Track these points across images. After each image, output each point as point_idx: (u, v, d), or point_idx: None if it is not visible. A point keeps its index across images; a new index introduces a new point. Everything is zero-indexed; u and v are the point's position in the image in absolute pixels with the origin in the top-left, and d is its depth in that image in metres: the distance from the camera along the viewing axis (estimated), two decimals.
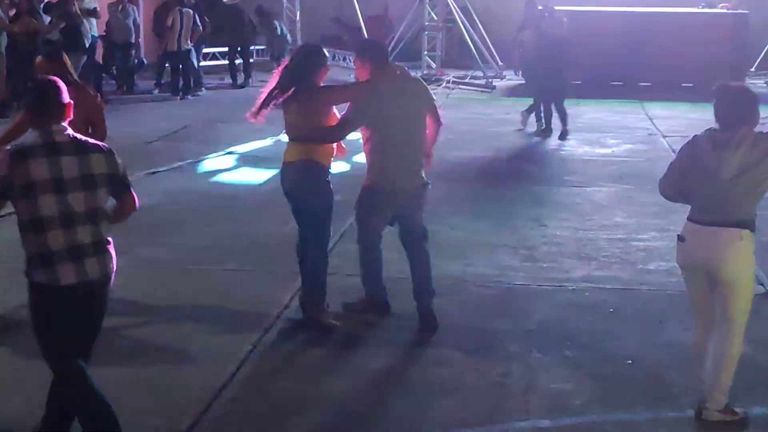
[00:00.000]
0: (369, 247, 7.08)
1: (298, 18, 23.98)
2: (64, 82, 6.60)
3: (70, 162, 4.70)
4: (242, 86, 20.61)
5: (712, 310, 5.59)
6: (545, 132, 14.94)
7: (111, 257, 4.92)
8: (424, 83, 7.27)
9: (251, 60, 21.84)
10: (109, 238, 4.92)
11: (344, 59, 22.93)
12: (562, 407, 5.81)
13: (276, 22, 22.27)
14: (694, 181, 5.51)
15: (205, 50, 21.66)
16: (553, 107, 14.79)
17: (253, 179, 11.85)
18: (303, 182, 6.79)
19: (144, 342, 6.77)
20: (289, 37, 22.65)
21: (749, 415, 5.65)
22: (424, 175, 6.96)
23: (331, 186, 6.86)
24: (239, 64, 21.51)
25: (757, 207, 5.43)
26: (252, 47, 22.23)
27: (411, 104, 6.79)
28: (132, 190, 5.06)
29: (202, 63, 21.12)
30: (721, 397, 5.54)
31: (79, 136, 4.88)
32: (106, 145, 5.00)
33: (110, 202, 4.98)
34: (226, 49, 22.11)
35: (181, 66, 19.15)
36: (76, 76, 7.40)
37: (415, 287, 7.12)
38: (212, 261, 8.56)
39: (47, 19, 17.01)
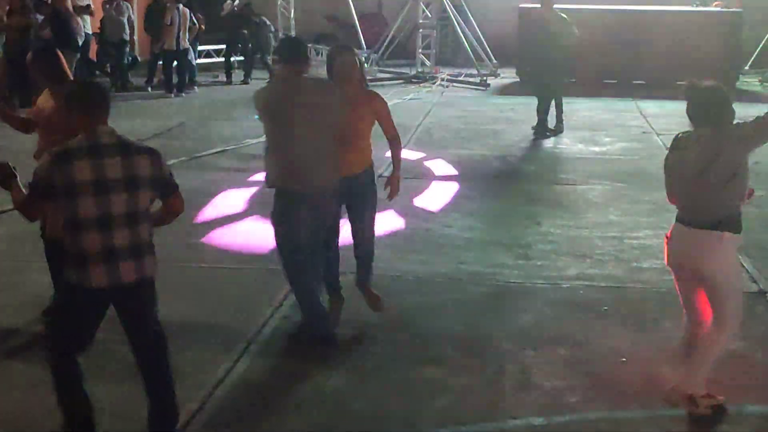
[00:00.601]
0: (293, 268, 6.61)
1: (292, 16, 23.95)
2: (59, 80, 6.61)
3: (114, 164, 4.69)
4: (248, 82, 20.63)
5: (702, 306, 5.62)
6: (558, 129, 15.00)
7: (151, 259, 4.92)
8: (335, 94, 6.59)
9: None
10: (151, 240, 4.93)
11: None
12: (556, 405, 5.82)
13: (264, 19, 22.14)
14: (671, 184, 5.57)
15: (200, 47, 21.65)
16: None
17: (247, 177, 11.83)
18: None
19: None
20: (272, 37, 22.56)
21: (725, 409, 5.67)
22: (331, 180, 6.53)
23: None
24: (234, 61, 21.50)
25: (737, 204, 5.41)
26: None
27: (307, 109, 6.35)
28: (178, 191, 5.05)
29: (198, 60, 21.12)
30: (689, 383, 5.57)
31: (124, 137, 4.88)
32: (152, 147, 4.99)
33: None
34: (220, 46, 22.12)
35: (176, 63, 19.14)
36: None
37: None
38: (206, 259, 8.56)
39: (41, 18, 17.01)
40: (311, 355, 6.55)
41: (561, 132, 14.91)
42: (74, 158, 4.63)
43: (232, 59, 21.43)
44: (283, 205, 6.51)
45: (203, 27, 20.27)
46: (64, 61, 7.00)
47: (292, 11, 23.89)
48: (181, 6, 18.76)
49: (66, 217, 4.67)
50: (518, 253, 8.83)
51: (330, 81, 6.70)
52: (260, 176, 11.60)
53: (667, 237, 5.63)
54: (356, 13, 22.90)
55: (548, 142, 14.52)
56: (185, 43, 19.01)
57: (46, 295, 7.06)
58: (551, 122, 14.91)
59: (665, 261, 5.76)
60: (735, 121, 5.46)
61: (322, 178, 6.45)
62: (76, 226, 4.65)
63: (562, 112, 15.04)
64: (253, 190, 11.07)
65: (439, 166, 12.57)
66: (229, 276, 8.09)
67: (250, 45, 21.63)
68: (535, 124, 14.90)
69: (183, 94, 19.05)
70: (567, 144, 14.34)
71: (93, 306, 4.83)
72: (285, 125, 6.38)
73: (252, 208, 10.23)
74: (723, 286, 5.44)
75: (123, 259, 4.74)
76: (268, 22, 22.03)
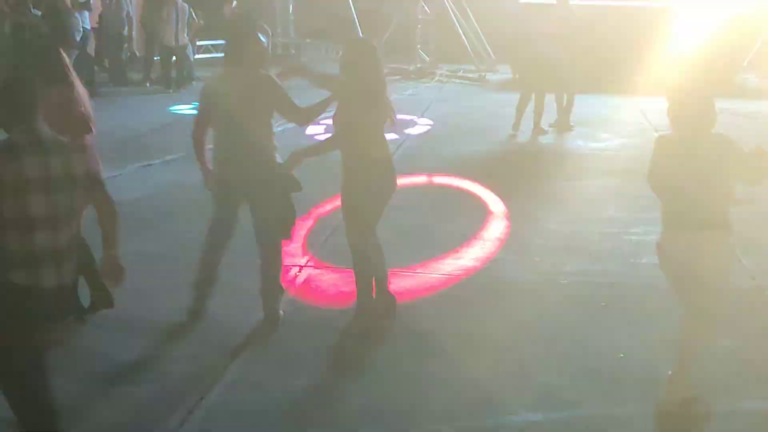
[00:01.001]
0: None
1: (291, 10, 23.94)
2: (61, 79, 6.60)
3: (56, 161, 4.56)
4: None
5: None
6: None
7: (76, 260, 4.79)
8: (271, 86, 6.80)
9: None
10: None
11: (337, 53, 22.84)
12: (554, 401, 5.83)
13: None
14: (672, 190, 5.54)
15: (199, 43, 21.63)
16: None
17: None
18: None
19: (135, 333, 6.75)
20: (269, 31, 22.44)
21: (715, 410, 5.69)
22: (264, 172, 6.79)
23: None
24: None
25: (727, 208, 5.42)
26: None
27: (242, 101, 6.71)
28: (105, 187, 4.95)
29: (197, 56, 21.10)
30: (675, 390, 5.60)
31: (56, 134, 4.79)
32: (79, 144, 4.93)
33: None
34: (220, 42, 22.08)
35: (174, 59, 19.13)
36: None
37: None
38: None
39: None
40: (310, 350, 6.56)
41: (545, 133, 14.80)
42: (22, 153, 4.47)
43: None
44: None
45: (202, 22, 20.23)
46: (66, 59, 6.97)
47: (291, 6, 23.86)
48: (180, 1, 18.75)
49: (10, 216, 4.45)
50: (516, 248, 8.84)
51: (262, 74, 6.82)
52: None
53: (658, 245, 5.63)
54: (355, 8, 22.87)
55: (547, 138, 14.49)
56: (184, 39, 19.01)
57: None
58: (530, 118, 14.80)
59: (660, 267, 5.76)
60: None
61: (244, 169, 6.75)
62: (27, 225, 4.47)
63: (570, 109, 14.93)
64: None
65: (435, 158, 12.59)
66: (227, 270, 8.06)
67: None
68: (552, 121, 14.87)
69: (172, 90, 19.04)
70: (565, 140, 14.33)
71: (38, 308, 4.60)
72: (216, 115, 6.81)
73: None
74: (700, 284, 5.46)
75: (66, 259, 4.63)
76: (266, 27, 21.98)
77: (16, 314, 4.57)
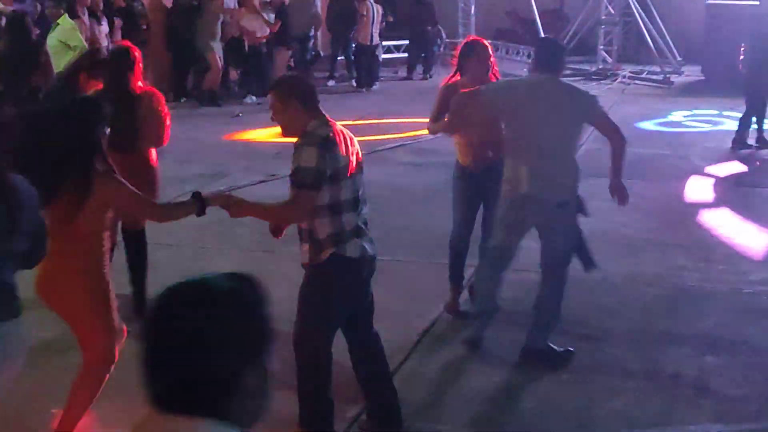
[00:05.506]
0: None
1: (473, 11, 23.95)
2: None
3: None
4: (428, 77, 20.70)
5: None
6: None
7: None
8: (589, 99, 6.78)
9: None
10: None
11: (518, 53, 22.75)
12: (736, 413, 5.66)
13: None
14: None
15: (383, 43, 21.96)
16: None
17: (425, 171, 11.87)
18: None
19: None
20: (443, 33, 22.56)
21: None
22: None
23: None
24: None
25: None
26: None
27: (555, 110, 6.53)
28: None
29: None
30: None
31: None
32: None
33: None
34: (401, 42, 22.36)
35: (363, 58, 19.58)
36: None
37: None
38: (382, 251, 8.62)
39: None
40: (483, 351, 6.55)
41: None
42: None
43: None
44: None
45: (390, 18, 20.81)
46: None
47: (473, 7, 23.89)
48: (372, 1, 19.23)
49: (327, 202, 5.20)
50: (698, 255, 8.60)
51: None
52: (436, 171, 11.67)
53: None
54: (537, 8, 22.71)
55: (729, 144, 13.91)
56: (377, 39, 19.48)
57: None
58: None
59: None
60: None
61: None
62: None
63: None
64: (428, 183, 11.10)
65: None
66: (405, 269, 8.14)
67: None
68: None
69: (365, 89, 19.33)
70: (753, 145, 13.79)
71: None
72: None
73: (424, 201, 10.27)
74: None
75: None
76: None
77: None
